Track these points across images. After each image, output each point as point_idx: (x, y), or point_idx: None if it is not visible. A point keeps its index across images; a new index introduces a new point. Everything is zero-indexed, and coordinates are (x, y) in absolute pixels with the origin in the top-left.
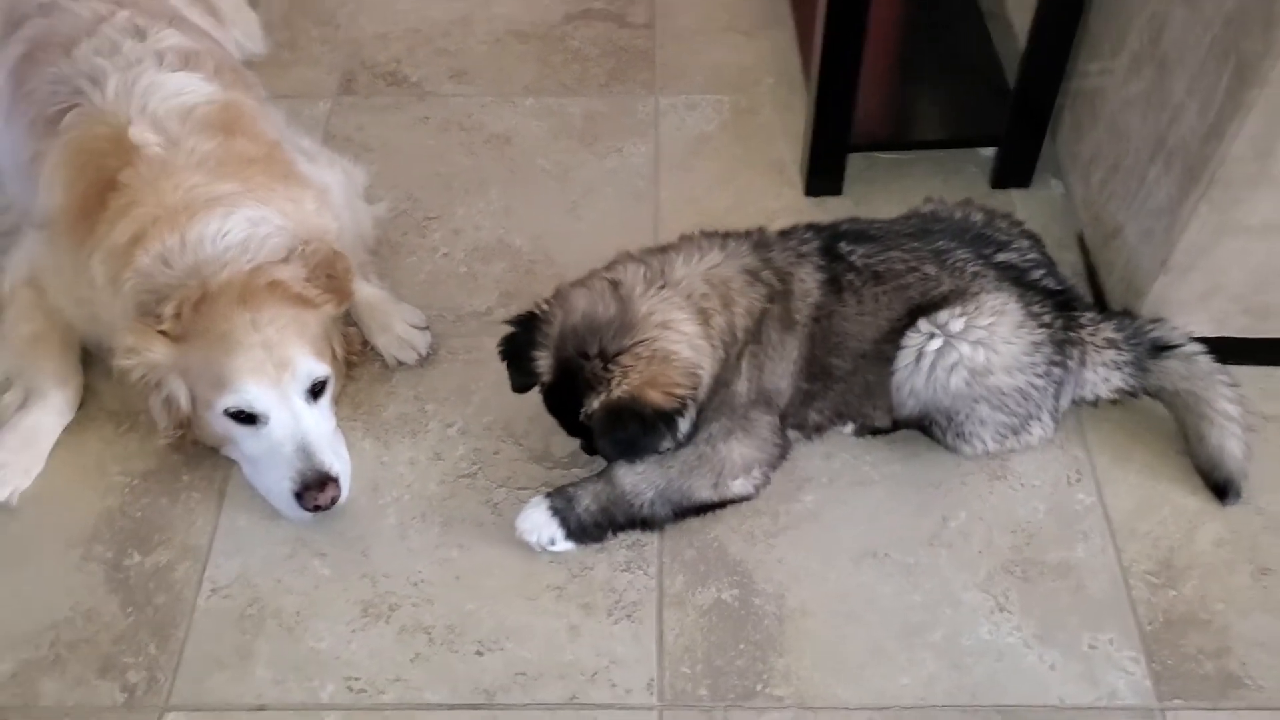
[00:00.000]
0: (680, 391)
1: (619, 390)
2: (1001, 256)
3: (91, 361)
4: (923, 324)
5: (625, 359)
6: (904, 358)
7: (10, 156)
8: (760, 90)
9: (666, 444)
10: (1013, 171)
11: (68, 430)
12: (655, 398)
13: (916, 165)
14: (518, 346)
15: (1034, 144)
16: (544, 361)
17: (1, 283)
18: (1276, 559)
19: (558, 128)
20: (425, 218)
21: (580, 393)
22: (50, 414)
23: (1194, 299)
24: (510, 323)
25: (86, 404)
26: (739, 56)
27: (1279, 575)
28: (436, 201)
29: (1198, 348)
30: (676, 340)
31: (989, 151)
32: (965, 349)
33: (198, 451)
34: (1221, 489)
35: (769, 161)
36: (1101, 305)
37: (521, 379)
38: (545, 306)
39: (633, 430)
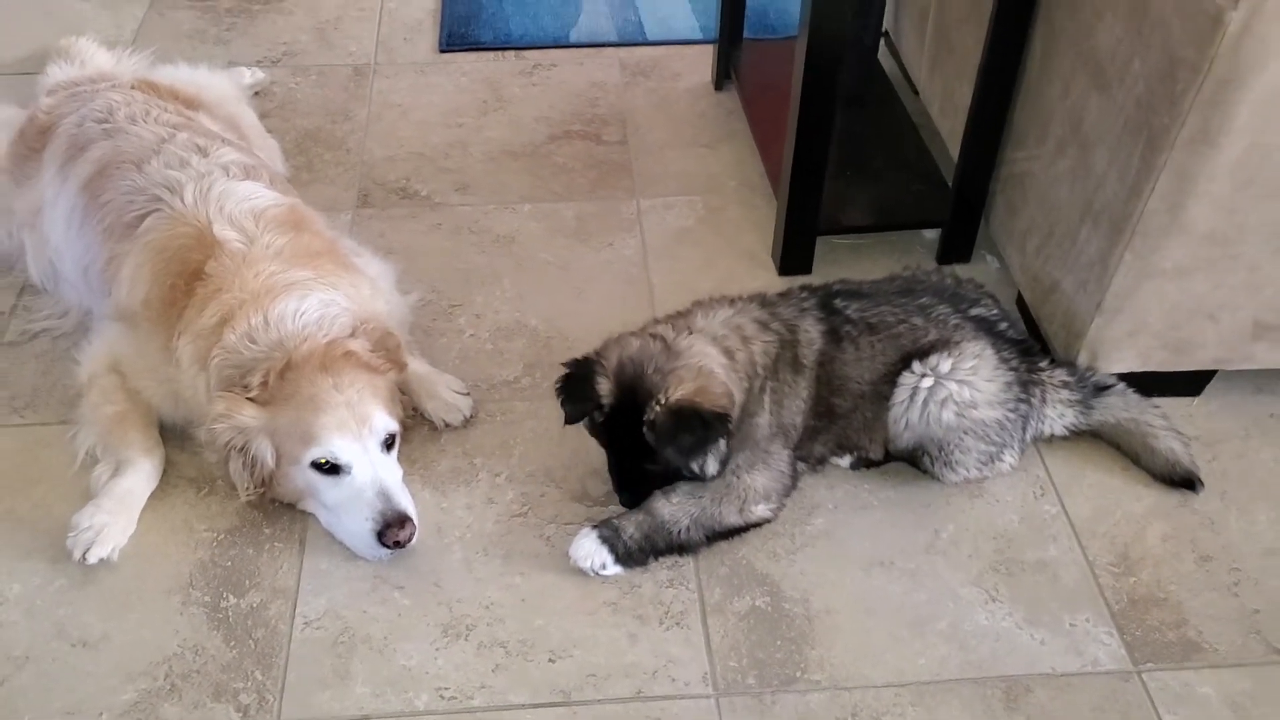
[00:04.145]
0: (724, 402)
1: (677, 393)
2: (975, 311)
3: (168, 436)
4: (916, 366)
5: (679, 371)
6: (900, 395)
7: (77, 263)
8: (727, 191)
9: (716, 461)
10: (954, 249)
11: (153, 497)
12: (707, 403)
13: (871, 247)
14: (575, 381)
15: (972, 225)
16: (605, 386)
17: (79, 372)
18: (1213, 549)
19: (554, 228)
20: (449, 305)
21: (641, 405)
22: (141, 479)
23: (1124, 337)
24: (566, 365)
25: (167, 474)
26: (705, 165)
27: (1218, 561)
28: (458, 292)
29: (1126, 386)
30: (713, 363)
31: (933, 233)
32: (953, 386)
33: (276, 508)
34: (1188, 481)
35: (742, 250)
36: (1047, 352)
37: (579, 408)
38: (598, 351)
39: (695, 428)
